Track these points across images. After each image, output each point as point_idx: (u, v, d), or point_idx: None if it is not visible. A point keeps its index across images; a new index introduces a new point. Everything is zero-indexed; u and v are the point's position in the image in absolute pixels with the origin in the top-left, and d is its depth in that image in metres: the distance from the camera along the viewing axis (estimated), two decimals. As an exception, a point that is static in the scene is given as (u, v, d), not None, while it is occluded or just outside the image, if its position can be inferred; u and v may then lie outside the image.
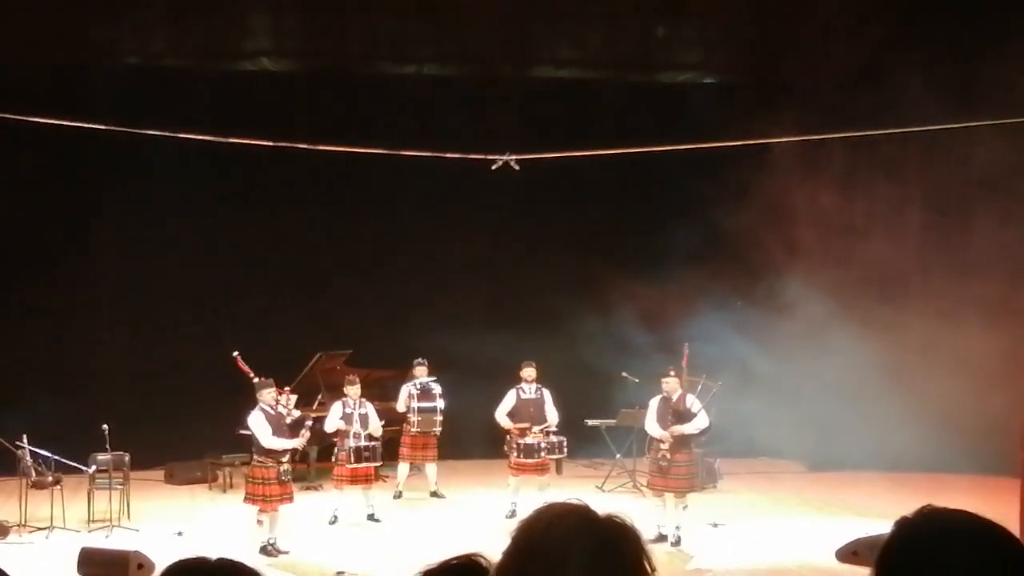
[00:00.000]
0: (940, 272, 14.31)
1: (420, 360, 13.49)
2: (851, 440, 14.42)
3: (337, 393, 12.90)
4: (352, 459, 12.00)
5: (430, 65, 16.31)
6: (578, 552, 1.74)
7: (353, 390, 12.31)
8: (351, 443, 12.01)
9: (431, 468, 13.67)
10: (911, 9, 15.10)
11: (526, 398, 12.59)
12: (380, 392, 13.94)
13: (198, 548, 11.08)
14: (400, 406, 13.38)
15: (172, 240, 15.24)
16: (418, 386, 13.33)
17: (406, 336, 14.64)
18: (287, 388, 11.52)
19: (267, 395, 10.87)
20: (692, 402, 11.37)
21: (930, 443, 13.41)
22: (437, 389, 13.35)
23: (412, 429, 13.28)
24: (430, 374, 13.44)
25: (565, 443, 12.61)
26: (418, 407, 13.22)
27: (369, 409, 12.37)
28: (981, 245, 14.07)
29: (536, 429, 12.40)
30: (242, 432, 11.64)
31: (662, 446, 11.20)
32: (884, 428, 13.97)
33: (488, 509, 12.67)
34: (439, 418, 13.24)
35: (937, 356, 13.50)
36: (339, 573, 10.17)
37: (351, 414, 12.16)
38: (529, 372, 12.68)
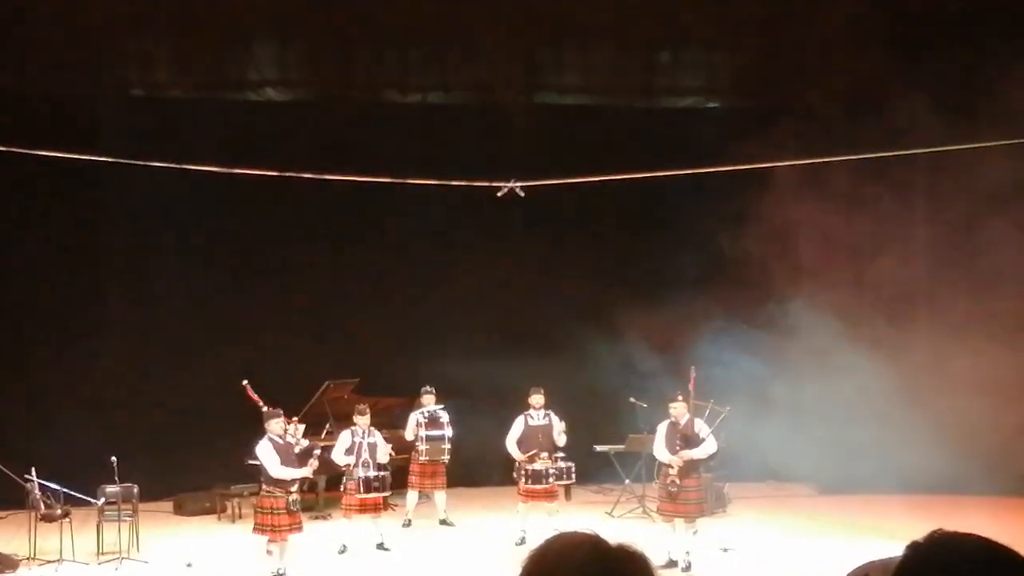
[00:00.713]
0: (950, 290, 14.24)
1: (427, 388, 13.47)
2: (862, 462, 14.31)
3: (345, 422, 12.88)
4: (361, 488, 11.96)
5: (435, 93, 16.35)
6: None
7: (363, 419, 12.28)
8: (360, 472, 11.98)
9: (440, 496, 13.62)
10: (914, 31, 15.10)
11: (534, 424, 12.54)
12: (388, 420, 13.91)
13: (207, 580, 11.05)
14: (408, 434, 13.37)
15: (179, 270, 15.25)
16: (426, 414, 13.32)
17: (413, 364, 14.62)
18: (295, 418, 11.50)
19: (275, 425, 10.86)
20: (700, 427, 11.32)
21: (944, 464, 13.26)
22: (445, 417, 13.34)
23: (420, 457, 13.27)
24: (437, 402, 13.43)
25: (574, 469, 12.57)
26: (426, 435, 13.21)
27: (378, 438, 12.33)
28: (991, 262, 14.00)
29: (544, 455, 12.36)
30: (251, 462, 11.62)
31: (671, 471, 11.14)
32: (896, 449, 13.85)
33: (497, 536, 12.62)
34: (447, 446, 13.25)
35: (949, 375, 13.43)
36: (349, 603, 10.13)
37: (360, 443, 12.13)
38: (537, 399, 12.64)
